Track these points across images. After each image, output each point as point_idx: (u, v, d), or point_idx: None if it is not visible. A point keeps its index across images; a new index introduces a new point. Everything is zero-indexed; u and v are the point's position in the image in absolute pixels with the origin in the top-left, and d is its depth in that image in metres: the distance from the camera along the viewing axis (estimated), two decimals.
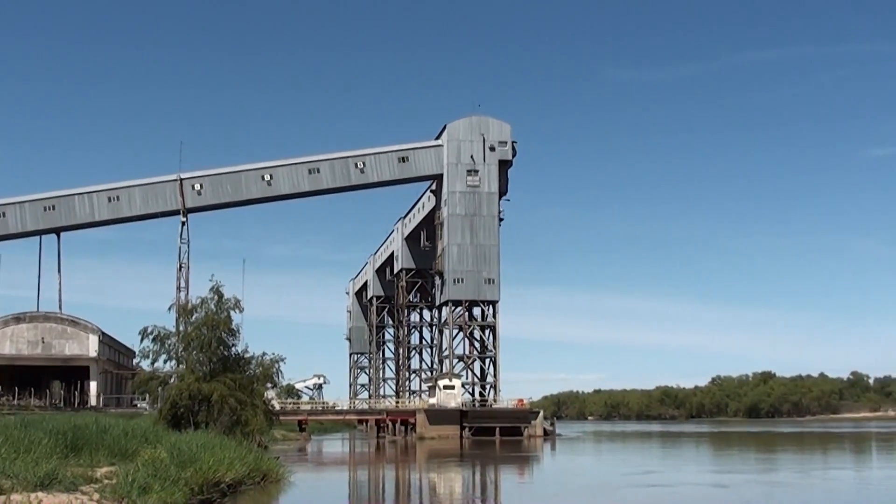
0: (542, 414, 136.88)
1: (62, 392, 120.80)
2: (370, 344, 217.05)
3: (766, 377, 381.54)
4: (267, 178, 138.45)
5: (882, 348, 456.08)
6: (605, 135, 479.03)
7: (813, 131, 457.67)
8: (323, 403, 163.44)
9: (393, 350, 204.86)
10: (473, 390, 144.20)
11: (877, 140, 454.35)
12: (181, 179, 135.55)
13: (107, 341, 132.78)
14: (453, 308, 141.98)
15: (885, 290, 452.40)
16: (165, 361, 65.30)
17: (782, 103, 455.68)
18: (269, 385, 71.86)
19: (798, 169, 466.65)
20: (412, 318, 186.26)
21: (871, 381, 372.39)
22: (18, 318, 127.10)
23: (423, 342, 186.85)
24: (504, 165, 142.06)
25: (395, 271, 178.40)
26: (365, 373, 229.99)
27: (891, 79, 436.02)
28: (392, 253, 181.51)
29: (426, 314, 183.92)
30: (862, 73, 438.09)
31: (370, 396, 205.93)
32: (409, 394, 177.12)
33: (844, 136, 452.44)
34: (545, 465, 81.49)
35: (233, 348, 65.68)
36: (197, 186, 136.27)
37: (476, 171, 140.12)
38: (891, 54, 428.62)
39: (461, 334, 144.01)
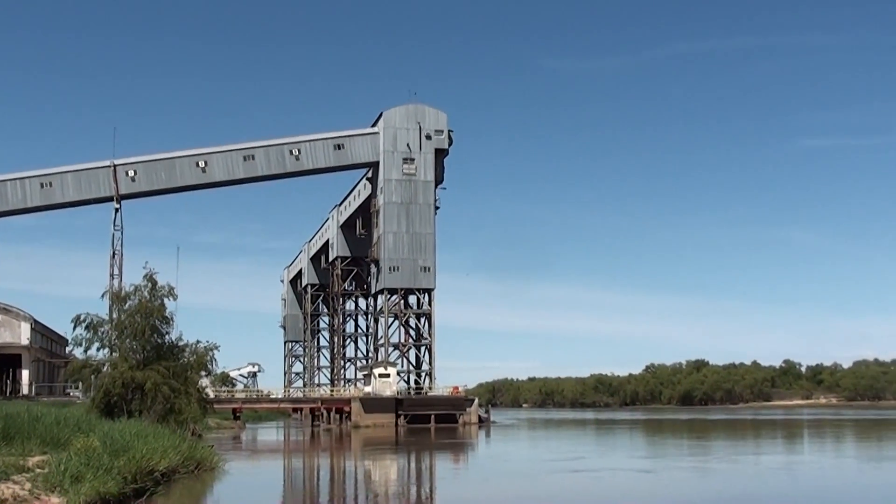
0: (477, 401, 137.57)
1: None
2: (305, 332, 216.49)
3: (700, 365, 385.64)
4: (202, 164, 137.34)
5: (814, 336, 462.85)
6: (540, 124, 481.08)
7: (747, 122, 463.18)
8: (257, 392, 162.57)
9: (328, 338, 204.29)
10: (409, 378, 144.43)
11: (810, 131, 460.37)
12: (115, 166, 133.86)
13: (39, 329, 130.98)
14: (389, 296, 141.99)
15: (818, 278, 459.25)
16: (98, 349, 64.65)
17: (716, 94, 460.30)
18: (203, 373, 71.32)
19: (732, 159, 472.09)
20: (347, 307, 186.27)
21: (803, 368, 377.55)
22: None
23: (359, 330, 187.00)
24: (440, 154, 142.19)
25: (331, 259, 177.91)
26: (300, 361, 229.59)
27: (823, 70, 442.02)
28: (327, 241, 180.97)
29: (361, 302, 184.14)
30: (795, 65, 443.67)
31: (305, 385, 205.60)
32: (345, 382, 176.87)
33: (778, 126, 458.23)
34: (479, 451, 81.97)
35: (167, 336, 65.17)
36: (131, 173, 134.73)
37: (412, 160, 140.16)
38: (823, 46, 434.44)
39: (396, 322, 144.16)
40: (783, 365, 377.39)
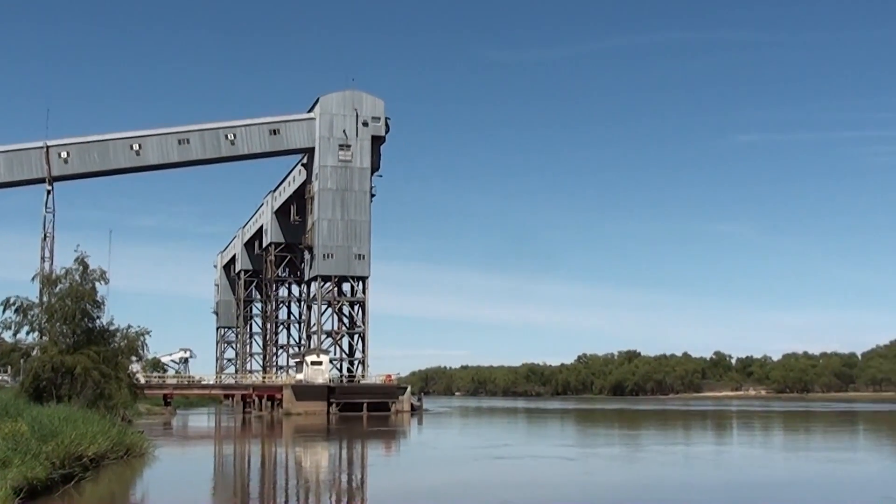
0: (409, 389, 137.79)
1: None
2: (238, 318, 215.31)
3: (631, 356, 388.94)
4: (136, 147, 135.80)
5: (744, 329, 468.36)
6: (479, 114, 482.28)
7: (682, 116, 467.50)
8: (189, 378, 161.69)
9: (261, 325, 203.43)
10: (341, 366, 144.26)
11: (743, 127, 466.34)
12: (47, 147, 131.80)
13: None
14: (322, 283, 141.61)
15: (750, 272, 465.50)
16: (28, 333, 63.89)
17: (652, 88, 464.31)
18: (133, 358, 70.82)
19: (666, 153, 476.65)
20: (280, 293, 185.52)
21: (733, 360, 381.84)
22: None
23: (292, 317, 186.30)
24: (377, 141, 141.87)
25: (264, 245, 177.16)
26: (232, 347, 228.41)
27: (756, 66, 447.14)
28: (261, 226, 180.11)
29: (295, 289, 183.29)
30: (729, 61, 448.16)
31: (237, 371, 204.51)
32: (277, 369, 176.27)
33: (711, 122, 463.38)
34: (411, 439, 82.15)
35: (97, 320, 64.59)
36: (64, 154, 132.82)
37: (348, 146, 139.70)
38: (757, 42, 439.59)
39: (330, 310, 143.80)
40: (714, 357, 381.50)
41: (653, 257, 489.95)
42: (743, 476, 46.92)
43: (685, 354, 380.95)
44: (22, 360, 65.30)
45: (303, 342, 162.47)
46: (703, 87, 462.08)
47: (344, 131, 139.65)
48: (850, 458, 58.57)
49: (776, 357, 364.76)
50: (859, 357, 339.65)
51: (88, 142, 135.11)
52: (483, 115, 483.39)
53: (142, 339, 67.30)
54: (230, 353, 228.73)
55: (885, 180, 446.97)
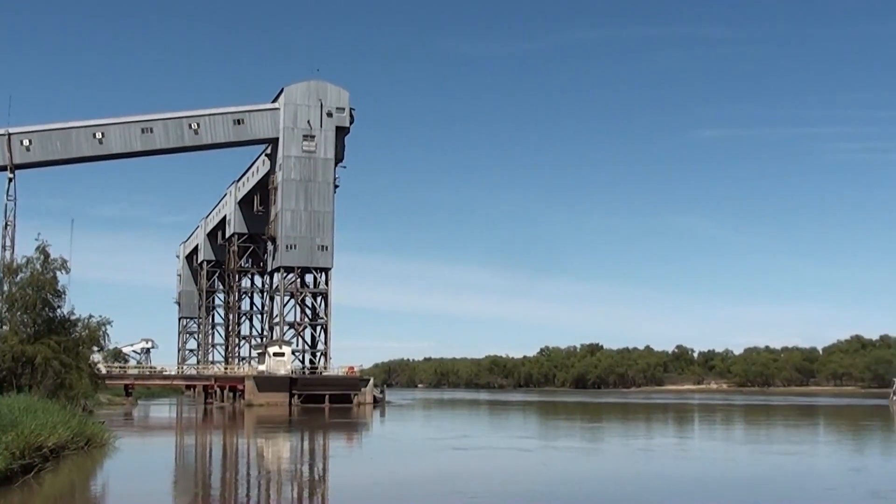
0: (371, 381, 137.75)
1: None
2: (200, 309, 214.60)
3: (594, 349, 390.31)
4: (98, 136, 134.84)
5: (706, 323, 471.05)
6: (442, 106, 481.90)
7: (646, 111, 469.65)
8: (150, 368, 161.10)
9: (223, 315, 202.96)
10: (304, 357, 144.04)
11: (706, 122, 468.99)
12: (9, 134, 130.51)
13: None
14: (285, 274, 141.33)
15: (712, 266, 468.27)
16: None
17: (616, 83, 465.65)
18: (95, 348, 70.43)
19: (631, 147, 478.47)
20: (243, 284, 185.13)
21: (695, 354, 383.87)
22: None
23: (254, 308, 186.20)
24: (341, 132, 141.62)
25: (227, 235, 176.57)
26: (194, 338, 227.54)
27: (720, 62, 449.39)
28: (224, 217, 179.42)
29: (258, 280, 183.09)
30: (693, 56, 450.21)
31: (199, 362, 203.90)
32: (239, 360, 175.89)
33: (676, 117, 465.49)
34: (373, 431, 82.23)
35: (58, 310, 64.29)
36: (25, 142, 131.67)
37: (312, 137, 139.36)
38: (721, 38, 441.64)
39: (292, 301, 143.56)
40: (676, 350, 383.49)
41: (616, 251, 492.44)
42: (698, 468, 47.55)
43: (647, 348, 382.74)
44: None
45: (265, 333, 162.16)
46: (668, 81, 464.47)
47: (308, 122, 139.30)
48: (804, 451, 59.16)
49: (738, 351, 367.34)
50: (820, 352, 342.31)
51: (50, 129, 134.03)
52: (447, 107, 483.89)
53: (103, 329, 67.02)
54: (192, 344, 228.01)
55: (848, 176, 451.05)
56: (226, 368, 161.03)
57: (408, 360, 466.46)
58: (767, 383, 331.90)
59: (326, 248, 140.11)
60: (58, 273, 63.39)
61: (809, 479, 42.44)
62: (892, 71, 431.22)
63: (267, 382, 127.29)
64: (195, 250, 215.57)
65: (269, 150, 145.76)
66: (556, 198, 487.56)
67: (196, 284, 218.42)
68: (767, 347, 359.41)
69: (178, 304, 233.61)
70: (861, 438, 73.07)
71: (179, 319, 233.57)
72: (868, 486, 39.00)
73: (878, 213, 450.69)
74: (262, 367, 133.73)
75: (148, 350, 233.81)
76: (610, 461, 52.26)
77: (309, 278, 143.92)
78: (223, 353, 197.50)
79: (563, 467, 47.70)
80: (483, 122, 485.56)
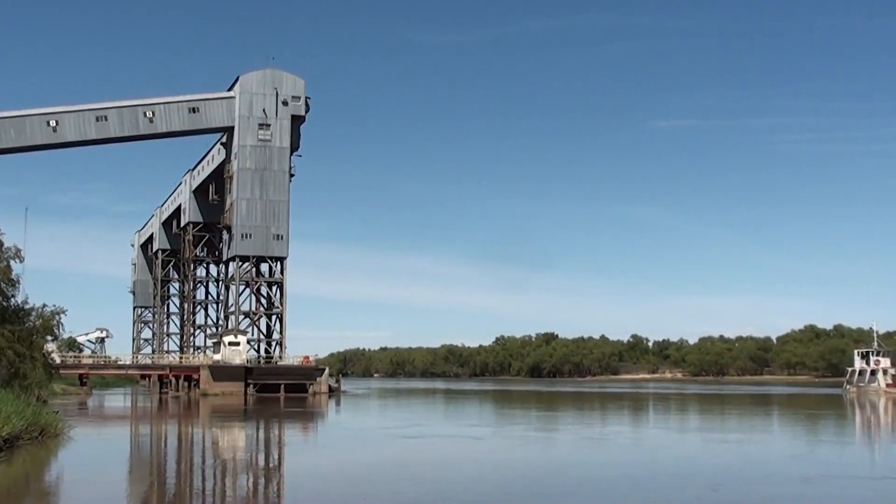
0: (327, 371, 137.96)
1: None
2: (155, 298, 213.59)
3: (549, 338, 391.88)
4: (53, 123, 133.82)
5: (661, 312, 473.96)
6: (397, 96, 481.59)
7: (602, 102, 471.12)
8: (105, 358, 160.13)
9: (178, 305, 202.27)
10: (259, 347, 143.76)
11: (662, 112, 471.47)
12: None
13: None
14: (241, 263, 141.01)
15: (666, 256, 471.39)
16: None
17: (574, 72, 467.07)
18: (49, 338, 70.19)
19: (587, 136, 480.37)
20: (198, 273, 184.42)
21: (650, 343, 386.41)
22: None
23: (209, 297, 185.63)
24: (297, 121, 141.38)
25: (182, 224, 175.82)
26: (149, 327, 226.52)
27: (677, 53, 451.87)
28: (179, 206, 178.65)
29: (213, 269, 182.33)
30: (650, 47, 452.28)
31: (154, 351, 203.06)
32: (194, 349, 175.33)
33: (632, 106, 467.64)
34: (328, 420, 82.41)
35: (12, 299, 63.94)
36: None
37: (268, 126, 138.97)
38: (678, 29, 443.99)
39: (248, 290, 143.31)
40: (631, 340, 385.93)
41: (571, 241, 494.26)
42: (642, 456, 48.20)
43: (602, 337, 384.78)
44: None
45: (220, 323, 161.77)
46: (623, 72, 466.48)
47: (264, 110, 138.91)
48: (748, 439, 60.25)
49: (693, 341, 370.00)
50: (774, 341, 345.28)
51: (4, 117, 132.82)
52: (402, 96, 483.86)
53: (57, 318, 66.84)
54: (147, 334, 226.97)
55: (802, 167, 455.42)
56: (181, 358, 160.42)
57: (364, 349, 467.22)
58: (722, 372, 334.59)
59: (282, 237, 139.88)
60: (11, 262, 63.07)
61: (748, 465, 43.09)
62: (844, 63, 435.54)
63: (222, 372, 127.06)
64: (150, 239, 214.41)
65: (224, 139, 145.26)
66: (513, 187, 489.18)
67: (151, 274, 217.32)
68: (722, 337, 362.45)
69: (133, 293, 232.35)
70: (808, 426, 74.21)
71: (134, 309, 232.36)
72: (802, 472, 40.04)
73: (831, 204, 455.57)
74: (217, 357, 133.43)
75: (103, 339, 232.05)
76: (557, 448, 53.29)
77: (264, 267, 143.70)
78: (178, 343, 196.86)
79: (508, 454, 48.55)
80: (439, 111, 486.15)
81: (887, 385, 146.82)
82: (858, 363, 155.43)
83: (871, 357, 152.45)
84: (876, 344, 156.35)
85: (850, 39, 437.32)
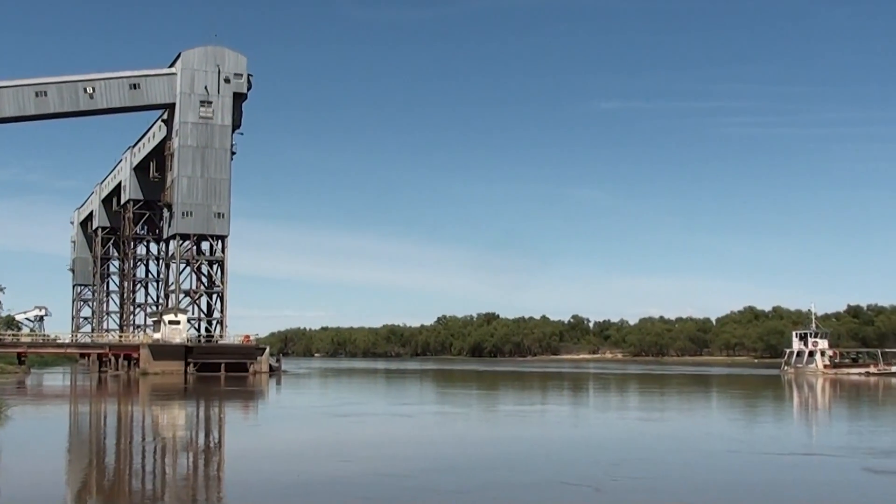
0: (268, 350, 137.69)
1: None
2: (94, 276, 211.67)
3: (490, 318, 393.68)
4: None
5: (602, 293, 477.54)
6: (340, 72, 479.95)
7: (546, 82, 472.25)
8: (44, 336, 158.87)
9: (118, 283, 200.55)
10: (199, 326, 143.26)
11: (605, 94, 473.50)
12: None
13: None
14: (181, 242, 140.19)
15: (607, 237, 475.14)
16: None
17: (517, 52, 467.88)
18: None
19: (529, 117, 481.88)
20: (139, 251, 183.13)
21: (590, 324, 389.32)
22: None
23: (150, 276, 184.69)
24: (239, 98, 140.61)
25: (123, 202, 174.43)
26: (89, 306, 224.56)
27: (618, 34, 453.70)
28: (120, 183, 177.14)
29: (153, 247, 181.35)
30: (591, 27, 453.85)
31: (93, 330, 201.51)
32: (134, 328, 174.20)
33: (575, 88, 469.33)
34: (269, 400, 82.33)
35: None
36: None
37: (210, 103, 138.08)
38: (620, 10, 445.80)
39: (188, 269, 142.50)
40: (571, 320, 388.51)
41: (513, 220, 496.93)
42: (563, 433, 49.27)
43: (543, 317, 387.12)
44: None
45: (161, 301, 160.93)
46: (566, 52, 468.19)
47: (205, 87, 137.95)
48: (669, 417, 61.40)
49: (633, 321, 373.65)
50: (714, 322, 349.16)
51: None
52: (345, 73, 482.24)
53: None
54: (87, 312, 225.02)
55: (740, 149, 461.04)
56: (121, 336, 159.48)
57: (304, 329, 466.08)
58: (662, 353, 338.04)
59: (223, 215, 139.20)
60: None
61: (661, 440, 44.52)
62: (788, 46, 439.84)
63: (162, 351, 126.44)
64: (90, 217, 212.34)
65: (165, 116, 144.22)
66: (456, 166, 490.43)
67: (91, 251, 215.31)
68: (662, 318, 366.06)
69: (73, 271, 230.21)
70: (738, 406, 75.34)
71: (74, 287, 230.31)
72: (709, 448, 41.20)
73: (771, 187, 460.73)
74: (157, 336, 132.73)
75: (41, 318, 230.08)
76: (480, 426, 54.40)
77: (205, 246, 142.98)
78: (118, 321, 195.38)
79: (436, 431, 49.81)
80: (381, 90, 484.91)
81: (824, 366, 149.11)
82: (796, 344, 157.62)
83: (808, 339, 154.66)
84: (814, 326, 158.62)
85: (792, 25, 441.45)
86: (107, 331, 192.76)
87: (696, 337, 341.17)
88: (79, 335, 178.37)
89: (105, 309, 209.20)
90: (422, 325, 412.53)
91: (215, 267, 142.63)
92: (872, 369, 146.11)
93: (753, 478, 31.39)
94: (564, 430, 51.21)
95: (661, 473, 32.26)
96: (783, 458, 37.47)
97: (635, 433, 49.02)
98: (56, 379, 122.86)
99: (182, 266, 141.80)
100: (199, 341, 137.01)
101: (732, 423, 58.05)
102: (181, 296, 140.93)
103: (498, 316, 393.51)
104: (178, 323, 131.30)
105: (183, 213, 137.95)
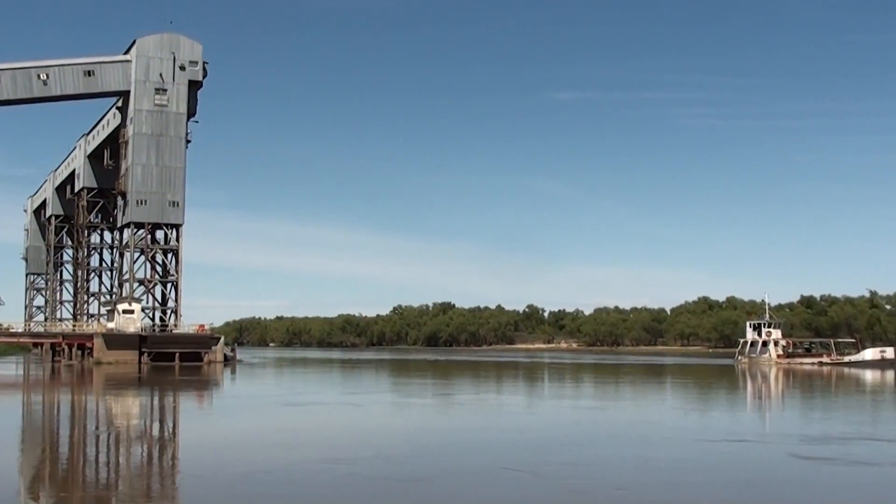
0: (223, 340, 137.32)
1: None
2: (48, 265, 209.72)
3: (446, 307, 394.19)
4: None
5: (557, 283, 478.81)
6: (296, 61, 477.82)
7: (500, 71, 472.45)
8: None
9: (72, 272, 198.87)
10: (154, 315, 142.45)
11: (560, 84, 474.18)
12: None
13: None
14: (136, 230, 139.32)
15: (562, 227, 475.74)
16: None
17: (474, 41, 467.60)
18: None
19: (484, 107, 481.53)
20: (93, 240, 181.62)
21: (545, 314, 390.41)
22: None
23: (104, 265, 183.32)
24: (194, 86, 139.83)
25: (77, 190, 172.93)
26: (42, 295, 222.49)
27: (574, 24, 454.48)
28: (74, 171, 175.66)
29: (108, 236, 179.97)
30: (550, 17, 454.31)
31: (47, 319, 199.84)
32: (88, 317, 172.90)
33: (529, 79, 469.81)
34: (223, 390, 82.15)
35: None
36: None
37: (165, 90, 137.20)
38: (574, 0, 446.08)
39: (143, 257, 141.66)
40: (527, 310, 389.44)
41: (468, 210, 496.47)
42: (503, 421, 49.88)
43: (499, 307, 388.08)
44: None
45: (115, 290, 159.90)
46: (520, 42, 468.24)
47: (160, 75, 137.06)
48: (614, 406, 62.12)
49: (588, 311, 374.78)
50: (668, 312, 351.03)
51: None
52: (300, 62, 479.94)
53: None
54: (40, 301, 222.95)
55: (694, 140, 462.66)
56: (74, 326, 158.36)
57: (259, 318, 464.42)
58: (616, 343, 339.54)
59: (178, 203, 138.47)
60: None
61: (602, 427, 45.73)
62: (742, 37, 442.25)
63: (116, 340, 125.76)
64: (43, 205, 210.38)
65: (120, 103, 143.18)
66: (413, 154, 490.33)
67: (44, 240, 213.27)
68: (617, 308, 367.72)
69: (26, 259, 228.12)
70: (686, 395, 76.22)
71: (27, 276, 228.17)
72: (643, 434, 41.95)
73: (725, 178, 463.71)
74: (111, 325, 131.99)
75: None
76: (436, 414, 55.27)
77: (160, 234, 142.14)
78: (72, 311, 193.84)
79: (383, 420, 50.74)
80: (336, 78, 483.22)
81: (778, 356, 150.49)
82: (750, 334, 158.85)
83: (762, 328, 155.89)
84: (767, 316, 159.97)
85: (746, 16, 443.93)
86: (60, 320, 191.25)
87: (650, 327, 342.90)
88: (32, 324, 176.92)
89: (59, 298, 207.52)
90: (377, 315, 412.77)
91: (170, 256, 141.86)
92: (825, 359, 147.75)
93: (676, 463, 32.59)
94: (511, 418, 51.80)
95: (594, 459, 33.40)
96: (713, 444, 38.40)
97: (579, 421, 49.77)
98: (8, 369, 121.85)
99: (136, 255, 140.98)
100: (154, 331, 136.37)
101: (673, 411, 58.91)
102: (135, 285, 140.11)
103: (454, 305, 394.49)
104: (132, 312, 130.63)
105: (137, 202, 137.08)
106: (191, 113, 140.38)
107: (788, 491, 27.44)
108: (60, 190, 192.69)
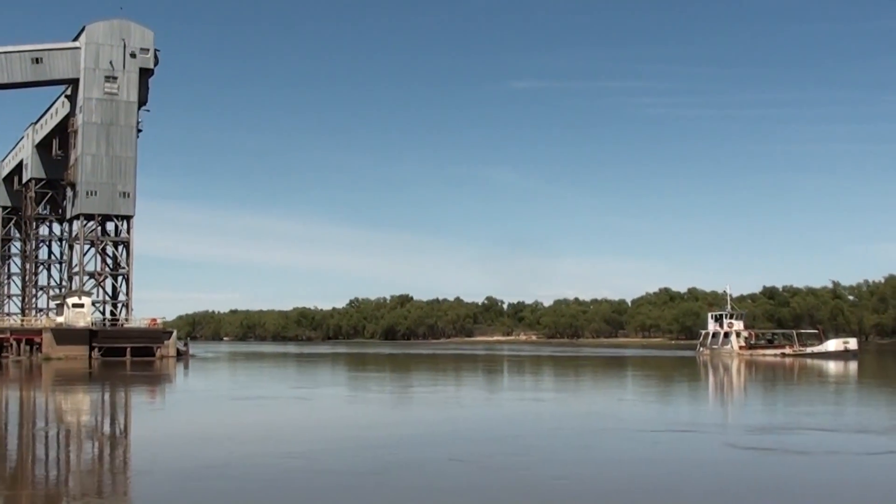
0: (175, 334, 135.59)
1: None
2: None
3: (404, 300, 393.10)
4: None
5: (516, 275, 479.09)
6: (250, 49, 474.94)
7: (459, 60, 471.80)
8: None
9: (19, 265, 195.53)
10: (104, 309, 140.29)
11: (518, 73, 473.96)
12: None
13: None
14: (85, 222, 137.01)
15: (521, 217, 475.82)
16: None
17: (430, 27, 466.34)
18: None
19: (442, 96, 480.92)
20: (41, 232, 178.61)
21: (504, 306, 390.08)
22: None
23: (53, 257, 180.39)
24: (145, 74, 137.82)
25: (24, 181, 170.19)
26: None
27: (532, 13, 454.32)
28: (21, 161, 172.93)
29: (56, 228, 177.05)
30: (508, 5, 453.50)
31: None
32: (36, 312, 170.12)
33: (487, 67, 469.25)
34: (176, 385, 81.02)
35: None
36: None
37: (115, 78, 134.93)
38: None
39: (93, 250, 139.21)
40: (486, 302, 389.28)
41: (425, 201, 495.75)
42: (453, 414, 49.64)
43: (457, 299, 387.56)
44: None
45: (64, 284, 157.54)
46: (478, 30, 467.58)
47: (111, 62, 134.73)
48: (564, 399, 61.87)
49: (547, 303, 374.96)
50: (629, 304, 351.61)
51: None
52: (254, 50, 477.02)
53: None
54: None
55: (655, 130, 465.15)
56: (22, 320, 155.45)
57: (213, 312, 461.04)
58: (577, 335, 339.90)
59: (129, 194, 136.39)
60: None
61: (548, 420, 45.78)
62: (705, 27, 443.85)
63: (66, 335, 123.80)
64: None
65: (69, 92, 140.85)
66: (366, 145, 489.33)
67: None
68: (577, 299, 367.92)
69: None
70: (646, 387, 75.87)
71: None
72: (586, 426, 42.27)
73: (686, 168, 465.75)
74: (60, 319, 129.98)
75: None
76: (386, 407, 54.96)
77: (110, 226, 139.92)
78: (20, 305, 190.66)
79: (330, 413, 51.15)
80: (292, 67, 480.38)
81: (740, 347, 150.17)
82: (712, 326, 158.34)
83: (724, 320, 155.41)
84: (729, 307, 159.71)
85: (708, 5, 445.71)
86: (7, 315, 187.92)
87: (611, 318, 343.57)
88: None
89: (6, 292, 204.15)
90: (333, 308, 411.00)
91: (120, 248, 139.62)
92: (787, 350, 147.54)
93: (612, 454, 33.26)
94: (466, 411, 51.69)
95: (539, 450, 33.72)
96: (653, 434, 38.61)
97: (527, 413, 49.94)
98: None
99: (86, 247, 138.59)
100: (104, 325, 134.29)
101: (627, 403, 58.57)
102: (85, 278, 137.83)
103: (412, 298, 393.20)
104: (82, 306, 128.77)
105: (87, 193, 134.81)
106: (142, 101, 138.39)
107: (707, 478, 27.97)
108: (7, 181, 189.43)
